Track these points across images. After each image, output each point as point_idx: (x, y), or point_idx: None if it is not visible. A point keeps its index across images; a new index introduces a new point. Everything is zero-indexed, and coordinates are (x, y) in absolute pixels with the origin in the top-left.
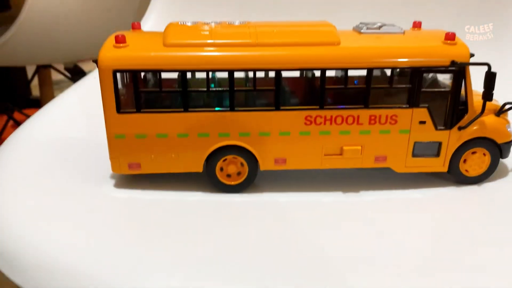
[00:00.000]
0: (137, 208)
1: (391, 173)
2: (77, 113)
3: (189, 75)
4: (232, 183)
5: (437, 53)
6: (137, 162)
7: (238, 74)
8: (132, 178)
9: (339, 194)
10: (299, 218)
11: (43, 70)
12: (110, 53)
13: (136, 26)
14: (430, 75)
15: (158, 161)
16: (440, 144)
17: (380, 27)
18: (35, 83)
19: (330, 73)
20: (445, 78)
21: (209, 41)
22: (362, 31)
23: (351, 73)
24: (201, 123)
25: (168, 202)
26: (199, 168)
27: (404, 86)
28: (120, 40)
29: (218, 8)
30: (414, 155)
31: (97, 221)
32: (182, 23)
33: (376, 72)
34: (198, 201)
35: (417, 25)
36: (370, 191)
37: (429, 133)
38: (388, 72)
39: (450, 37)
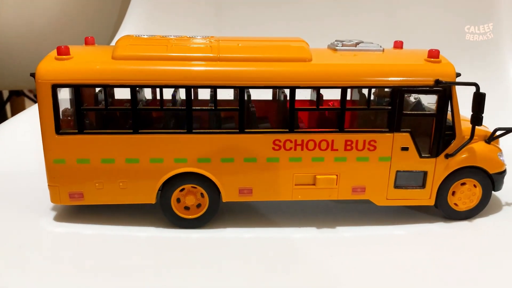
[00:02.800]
0: (77, 244)
1: (371, 207)
2: (24, 138)
3: (148, 93)
4: (191, 216)
5: (419, 72)
6: (79, 191)
7: (202, 95)
8: (75, 210)
9: (313, 229)
10: (266, 257)
11: (16, 98)
12: (49, 66)
13: (89, 41)
14: (413, 97)
15: (104, 191)
16: (425, 173)
17: (356, 44)
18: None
19: (302, 95)
20: (429, 103)
21: (163, 54)
22: (337, 48)
23: (327, 96)
24: (153, 146)
25: (115, 238)
26: (152, 199)
27: (383, 108)
28: (62, 52)
29: (194, 28)
30: (396, 186)
31: (29, 260)
32: (137, 36)
33: (355, 94)
34: (150, 238)
35: (398, 44)
36: (347, 226)
37: (413, 161)
38: (366, 93)
39: (434, 54)
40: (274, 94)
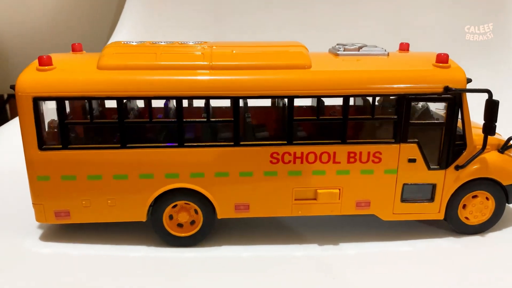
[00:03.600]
0: (64, 267)
1: (376, 220)
2: (9, 149)
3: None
4: (184, 234)
5: (427, 78)
6: (65, 209)
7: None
8: (62, 229)
9: (314, 247)
10: (266, 277)
11: (13, 100)
12: (30, 77)
13: (76, 48)
14: (420, 105)
15: (91, 208)
16: (434, 186)
17: (360, 48)
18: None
19: (302, 102)
20: (438, 109)
21: (152, 63)
22: (338, 52)
23: (328, 102)
24: (143, 162)
25: (104, 259)
26: (142, 217)
27: (389, 117)
28: (44, 62)
29: (191, 31)
30: (403, 199)
31: (11, 284)
32: (126, 43)
33: (358, 102)
34: (142, 258)
35: (404, 47)
36: (351, 243)
37: (421, 174)
38: (370, 100)
39: (443, 59)
40: (272, 101)
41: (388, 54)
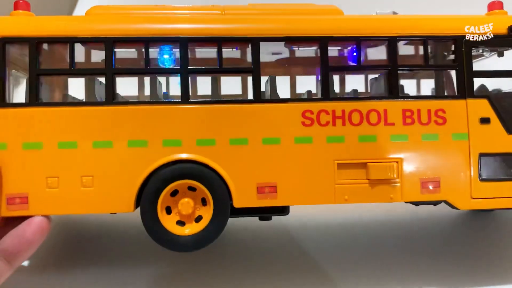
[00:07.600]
0: None
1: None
2: None
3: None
4: (187, 233)
5: (485, 21)
6: (22, 193)
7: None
8: None
9: None
10: None
11: None
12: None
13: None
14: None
15: (59, 192)
16: None
17: (394, 13)
18: None
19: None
20: None
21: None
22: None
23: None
24: (133, 123)
25: None
26: (129, 206)
27: (448, 65)
28: (21, 5)
29: None
30: (482, 178)
31: None
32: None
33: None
34: None
35: None
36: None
37: (500, 139)
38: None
39: (496, 5)
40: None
41: None
